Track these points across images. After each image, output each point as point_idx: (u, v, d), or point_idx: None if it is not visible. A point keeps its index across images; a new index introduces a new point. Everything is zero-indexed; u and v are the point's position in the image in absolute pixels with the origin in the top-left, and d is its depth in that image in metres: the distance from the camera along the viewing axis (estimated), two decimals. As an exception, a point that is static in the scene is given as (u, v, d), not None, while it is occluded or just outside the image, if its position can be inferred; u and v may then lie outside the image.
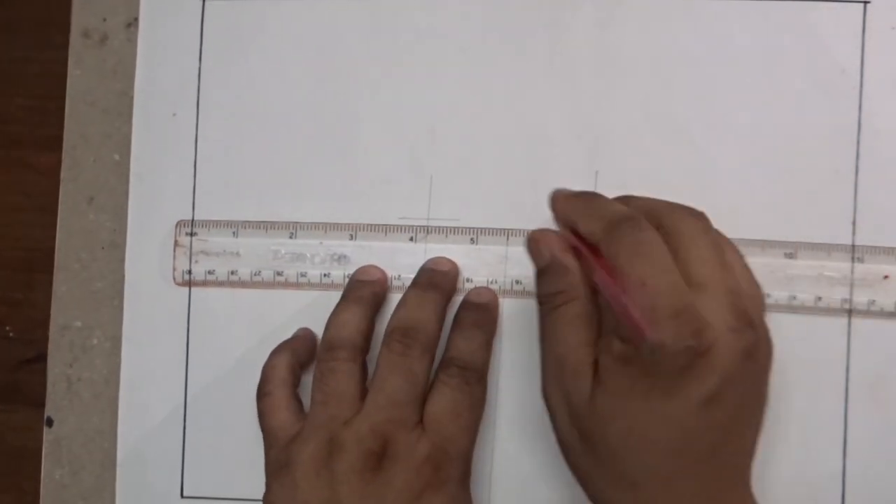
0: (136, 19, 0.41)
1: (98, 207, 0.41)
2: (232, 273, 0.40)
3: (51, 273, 0.41)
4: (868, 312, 0.38)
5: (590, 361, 0.32)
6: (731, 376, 0.30)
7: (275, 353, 0.38)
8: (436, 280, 0.38)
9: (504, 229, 0.39)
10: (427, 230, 0.39)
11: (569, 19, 0.40)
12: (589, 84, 0.39)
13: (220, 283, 0.40)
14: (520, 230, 0.39)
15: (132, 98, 0.41)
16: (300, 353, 0.39)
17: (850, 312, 0.38)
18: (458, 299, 0.39)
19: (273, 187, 0.40)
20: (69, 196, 0.41)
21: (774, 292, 0.38)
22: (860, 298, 0.38)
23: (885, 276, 0.37)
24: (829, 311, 0.38)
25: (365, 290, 0.38)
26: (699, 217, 0.33)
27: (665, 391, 0.30)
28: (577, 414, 0.32)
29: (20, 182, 0.42)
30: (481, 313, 0.38)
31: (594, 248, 0.33)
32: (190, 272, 0.40)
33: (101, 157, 0.41)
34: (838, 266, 0.38)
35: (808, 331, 0.38)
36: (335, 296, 0.39)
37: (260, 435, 0.38)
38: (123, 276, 0.40)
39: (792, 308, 0.38)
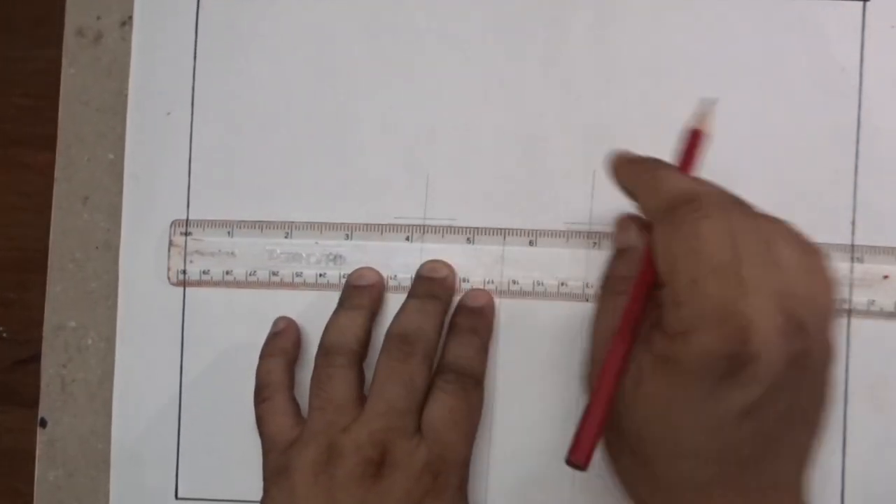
0: (131, 18, 0.41)
1: (92, 207, 0.41)
2: (227, 273, 0.40)
3: (45, 273, 0.41)
4: (868, 313, 0.37)
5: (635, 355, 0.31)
6: (776, 384, 0.28)
7: (267, 355, 0.38)
8: (434, 290, 0.38)
9: (501, 229, 0.39)
10: (423, 230, 0.39)
11: (567, 19, 0.39)
12: (587, 83, 0.39)
13: (216, 284, 0.40)
14: (517, 230, 0.39)
15: (126, 97, 0.40)
16: (291, 352, 0.38)
17: (849, 312, 0.38)
18: (456, 299, 0.39)
19: (268, 187, 0.40)
20: (63, 195, 0.41)
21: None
22: (860, 298, 0.37)
23: (885, 276, 0.37)
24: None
25: (363, 297, 0.38)
26: (747, 212, 0.31)
27: (705, 397, 0.29)
28: (615, 409, 0.31)
29: (14, 181, 0.41)
30: (477, 318, 0.38)
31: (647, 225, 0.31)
32: (185, 272, 0.40)
33: (95, 156, 0.41)
34: (837, 266, 0.37)
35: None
36: (331, 296, 0.38)
37: (255, 436, 0.38)
38: (118, 276, 0.40)
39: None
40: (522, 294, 0.39)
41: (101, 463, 0.40)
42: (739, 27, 0.39)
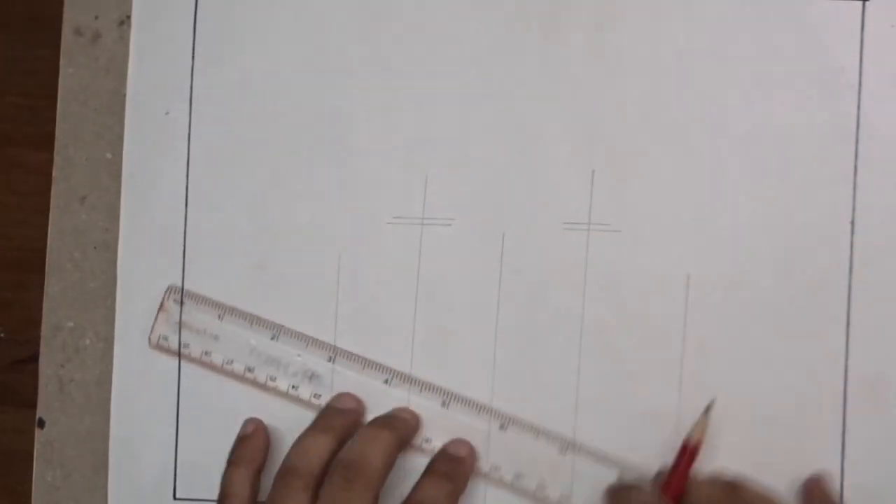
0: (129, 17, 0.40)
1: (90, 207, 0.40)
2: (206, 353, 0.39)
3: (43, 273, 0.40)
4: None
5: None
6: None
7: (233, 463, 0.38)
8: (393, 423, 0.38)
9: (476, 403, 0.38)
10: (403, 378, 0.39)
11: (566, 17, 0.39)
12: (585, 82, 0.39)
13: (191, 360, 0.40)
14: (494, 410, 0.38)
15: (124, 96, 0.40)
16: (258, 460, 0.38)
17: (848, 311, 0.38)
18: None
19: (266, 185, 0.40)
20: (61, 195, 0.40)
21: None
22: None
23: None
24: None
25: (336, 420, 0.38)
26: None
27: None
28: None
29: (11, 181, 0.41)
30: (455, 465, 0.37)
31: None
32: (167, 338, 0.40)
33: (93, 155, 0.40)
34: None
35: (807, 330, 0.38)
36: (301, 410, 0.39)
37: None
38: (116, 276, 0.40)
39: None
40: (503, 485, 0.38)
41: (99, 463, 0.40)
42: (738, 27, 0.39)
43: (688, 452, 0.36)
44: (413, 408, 0.39)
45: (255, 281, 0.40)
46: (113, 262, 0.40)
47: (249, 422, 0.39)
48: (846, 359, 0.38)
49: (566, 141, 0.39)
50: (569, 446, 0.38)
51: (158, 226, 0.40)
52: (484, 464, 0.38)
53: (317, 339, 0.39)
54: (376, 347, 0.39)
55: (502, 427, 0.38)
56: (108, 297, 0.40)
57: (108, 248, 0.40)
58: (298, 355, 0.39)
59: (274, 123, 0.40)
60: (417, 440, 0.38)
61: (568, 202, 0.39)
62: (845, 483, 0.38)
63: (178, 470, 0.40)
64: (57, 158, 0.40)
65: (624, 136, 0.39)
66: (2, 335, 0.41)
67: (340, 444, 0.37)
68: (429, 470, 0.37)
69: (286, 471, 0.36)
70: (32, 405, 0.40)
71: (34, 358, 0.40)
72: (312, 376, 0.39)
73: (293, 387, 0.39)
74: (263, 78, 0.40)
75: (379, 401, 0.39)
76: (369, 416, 0.39)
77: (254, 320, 0.39)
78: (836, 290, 0.38)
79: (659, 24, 0.39)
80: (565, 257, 0.39)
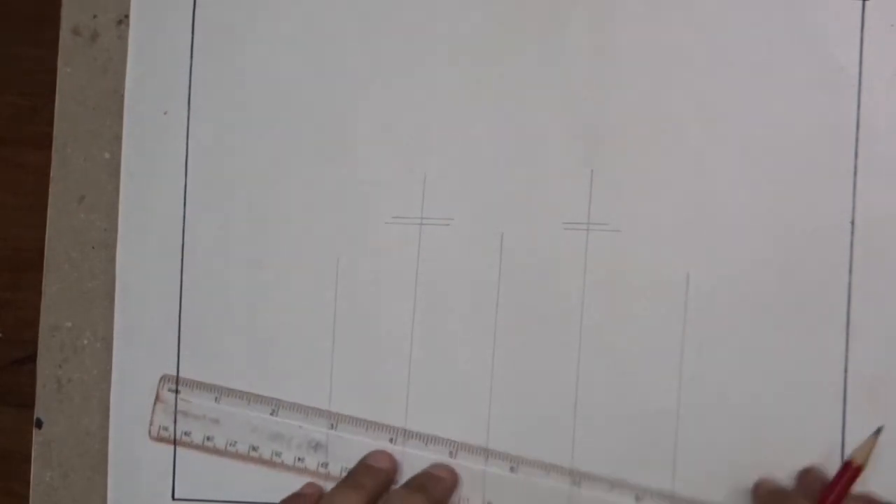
0: (127, 16, 0.40)
1: (88, 206, 0.40)
2: (208, 439, 0.39)
3: (41, 273, 0.40)
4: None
5: None
6: None
7: None
8: (428, 484, 0.37)
9: (483, 448, 0.38)
10: (408, 435, 0.39)
11: (565, 16, 0.39)
12: (585, 81, 0.39)
13: (195, 447, 0.39)
14: (498, 453, 0.38)
15: (123, 96, 0.40)
16: None
17: (848, 311, 0.38)
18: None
19: (264, 184, 0.40)
20: (59, 195, 0.40)
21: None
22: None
23: None
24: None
25: (367, 478, 0.37)
26: None
27: None
28: None
29: (9, 181, 0.41)
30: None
31: None
32: (167, 429, 0.39)
33: (91, 155, 0.40)
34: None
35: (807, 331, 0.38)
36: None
37: (252, 436, 0.38)
38: (114, 276, 0.40)
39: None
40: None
41: (98, 464, 0.40)
42: (738, 25, 0.38)
43: (850, 471, 0.35)
44: (420, 462, 0.38)
45: (252, 280, 0.40)
46: (111, 262, 0.40)
47: (307, 486, 0.39)
48: (846, 359, 0.38)
49: (565, 140, 0.39)
50: (580, 479, 0.38)
51: (157, 225, 0.40)
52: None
53: (316, 409, 0.39)
54: (375, 348, 0.39)
55: (512, 469, 0.38)
56: (107, 296, 0.40)
57: (107, 247, 0.40)
58: (300, 426, 0.39)
59: (272, 123, 0.40)
60: (455, 499, 0.38)
61: (567, 202, 0.39)
62: (845, 483, 0.37)
63: (176, 470, 0.40)
64: (55, 158, 0.40)
65: (623, 136, 0.39)
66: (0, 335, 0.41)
67: (371, 502, 0.36)
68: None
69: None
70: (30, 405, 0.40)
71: (32, 358, 0.40)
72: (317, 446, 0.39)
73: (299, 459, 0.39)
74: (262, 77, 0.40)
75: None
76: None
77: (251, 398, 0.39)
78: (836, 290, 0.38)
79: (658, 23, 0.39)
80: (564, 257, 0.39)
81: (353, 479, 0.37)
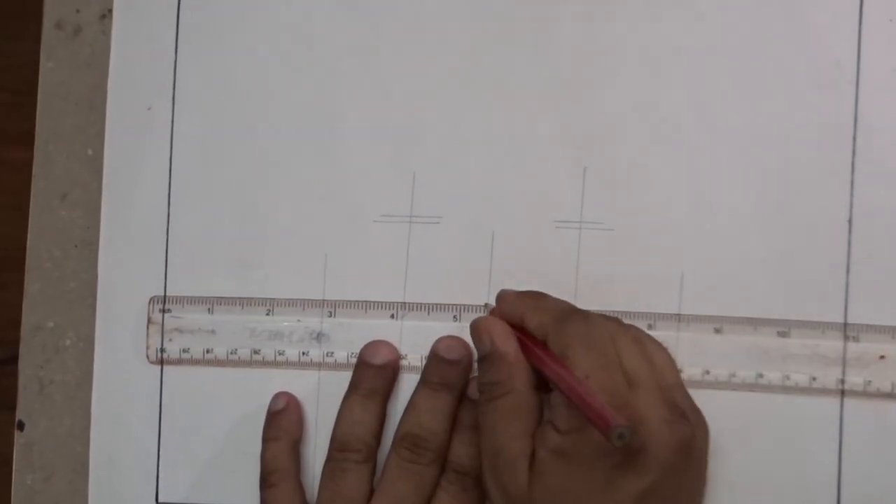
0: (111, 11, 0.40)
1: (71, 204, 0.40)
2: (208, 351, 0.39)
3: (22, 272, 0.40)
4: (864, 393, 0.36)
5: (527, 453, 0.33)
6: (668, 469, 0.32)
7: (271, 439, 0.38)
8: (447, 377, 0.37)
9: (488, 305, 0.38)
10: (409, 307, 0.38)
11: (557, 11, 0.39)
12: (577, 77, 0.39)
13: (196, 362, 0.39)
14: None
15: (106, 92, 0.40)
16: (295, 433, 0.38)
17: (845, 311, 0.37)
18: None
19: (251, 181, 0.39)
20: (41, 192, 0.40)
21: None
22: (855, 379, 0.37)
23: (882, 357, 0.36)
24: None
25: (377, 381, 0.37)
26: (614, 319, 0.35)
27: (602, 486, 0.32)
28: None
29: (-9, 178, 0.41)
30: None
31: (540, 343, 0.34)
32: (164, 350, 0.39)
33: (74, 152, 0.40)
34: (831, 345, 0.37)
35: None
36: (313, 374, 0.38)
37: (236, 441, 0.38)
38: (97, 276, 0.40)
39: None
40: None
41: (80, 466, 0.39)
42: (733, 20, 0.38)
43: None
44: (427, 333, 0.38)
45: (239, 280, 0.39)
46: (94, 261, 0.40)
47: (280, 395, 0.38)
48: (844, 359, 0.37)
49: (557, 137, 0.38)
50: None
51: (141, 224, 0.40)
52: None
53: (312, 300, 0.39)
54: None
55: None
56: (89, 296, 0.40)
57: (89, 246, 0.40)
58: (298, 321, 0.39)
59: (258, 119, 0.39)
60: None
61: (559, 200, 0.38)
62: (842, 483, 0.37)
63: (160, 473, 0.39)
64: (37, 155, 0.40)
65: (616, 132, 0.38)
66: (-20, 335, 0.41)
67: (386, 404, 0.37)
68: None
69: (341, 444, 0.36)
70: (12, 407, 0.40)
71: (13, 359, 0.40)
72: (319, 336, 0.38)
73: (303, 353, 0.38)
74: (248, 73, 0.40)
75: (391, 336, 0.38)
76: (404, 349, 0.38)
77: (245, 302, 0.39)
78: (834, 290, 0.37)
79: (653, 18, 0.38)
80: (556, 256, 0.38)
81: (364, 385, 0.37)
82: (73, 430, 0.39)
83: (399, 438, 0.36)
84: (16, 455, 0.40)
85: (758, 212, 0.38)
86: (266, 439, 0.38)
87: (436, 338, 0.37)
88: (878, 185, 0.37)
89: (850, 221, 0.37)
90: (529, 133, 0.39)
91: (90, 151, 0.40)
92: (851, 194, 0.37)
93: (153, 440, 0.39)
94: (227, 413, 0.39)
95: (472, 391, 0.37)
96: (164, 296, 0.39)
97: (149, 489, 0.39)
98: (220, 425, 0.39)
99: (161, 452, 0.39)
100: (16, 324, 0.40)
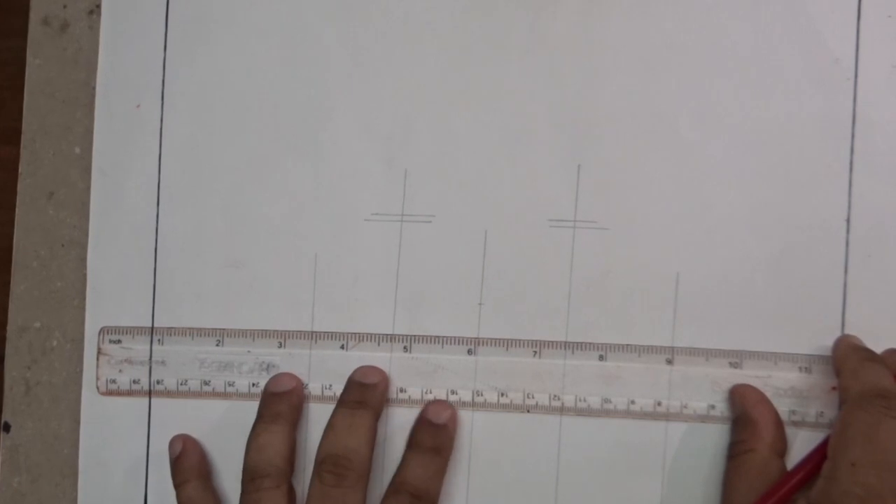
0: (99, 6, 0.40)
1: (58, 203, 0.39)
2: (157, 383, 0.38)
3: (8, 272, 0.40)
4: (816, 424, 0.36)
5: None
6: None
7: (181, 484, 0.37)
8: (365, 397, 0.36)
9: (439, 337, 0.38)
10: (357, 338, 0.38)
11: (552, 7, 0.38)
12: (572, 74, 0.38)
13: (145, 394, 0.38)
14: (455, 338, 0.38)
15: (94, 89, 0.40)
16: (202, 471, 0.37)
17: (843, 310, 0.36)
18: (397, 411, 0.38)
19: (240, 180, 0.39)
20: (28, 191, 0.40)
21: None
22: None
23: (833, 388, 0.36)
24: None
25: (281, 405, 0.37)
26: None
27: None
28: None
29: (-24, 176, 0.40)
30: (440, 436, 0.36)
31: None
32: (115, 381, 0.39)
33: (61, 150, 0.40)
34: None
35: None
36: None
37: (224, 443, 0.37)
38: (84, 275, 0.39)
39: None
40: (461, 405, 0.38)
41: (67, 469, 0.39)
42: (730, 17, 0.38)
43: None
44: (378, 365, 0.38)
45: (229, 280, 0.39)
46: (81, 261, 0.39)
47: (175, 440, 0.38)
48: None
49: (551, 135, 0.38)
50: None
51: (129, 223, 0.39)
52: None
53: (262, 330, 0.38)
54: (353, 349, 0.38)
55: (469, 353, 0.38)
56: (77, 296, 0.39)
57: (77, 245, 0.39)
58: (248, 351, 0.38)
59: (248, 117, 0.39)
60: (392, 394, 0.37)
61: (553, 198, 0.38)
62: None
63: (148, 476, 0.39)
64: (23, 153, 0.40)
65: (611, 130, 0.38)
66: (-34, 336, 0.40)
67: (294, 428, 0.37)
68: (413, 446, 0.36)
69: (252, 473, 0.35)
70: (-2, 409, 0.39)
71: (0, 360, 0.39)
72: (269, 367, 0.38)
73: (253, 385, 0.38)
74: (238, 71, 0.39)
75: (339, 367, 0.38)
76: (336, 385, 0.37)
77: (194, 333, 0.38)
78: (832, 289, 0.37)
79: (648, 14, 0.38)
80: (550, 255, 0.38)
81: (268, 411, 0.37)
82: (60, 433, 0.39)
83: (319, 462, 0.35)
84: (2, 457, 0.39)
85: (754, 211, 0.37)
86: (176, 485, 0.37)
87: (386, 369, 0.37)
88: (876, 184, 0.37)
89: (848, 220, 0.37)
90: (523, 131, 0.38)
91: (78, 149, 0.39)
92: (850, 192, 0.37)
93: (142, 442, 0.39)
94: (217, 415, 0.38)
95: (433, 414, 0.37)
96: (154, 314, 0.39)
97: (138, 493, 0.39)
98: (209, 427, 0.38)
99: (150, 456, 0.39)
100: (2, 324, 0.39)
